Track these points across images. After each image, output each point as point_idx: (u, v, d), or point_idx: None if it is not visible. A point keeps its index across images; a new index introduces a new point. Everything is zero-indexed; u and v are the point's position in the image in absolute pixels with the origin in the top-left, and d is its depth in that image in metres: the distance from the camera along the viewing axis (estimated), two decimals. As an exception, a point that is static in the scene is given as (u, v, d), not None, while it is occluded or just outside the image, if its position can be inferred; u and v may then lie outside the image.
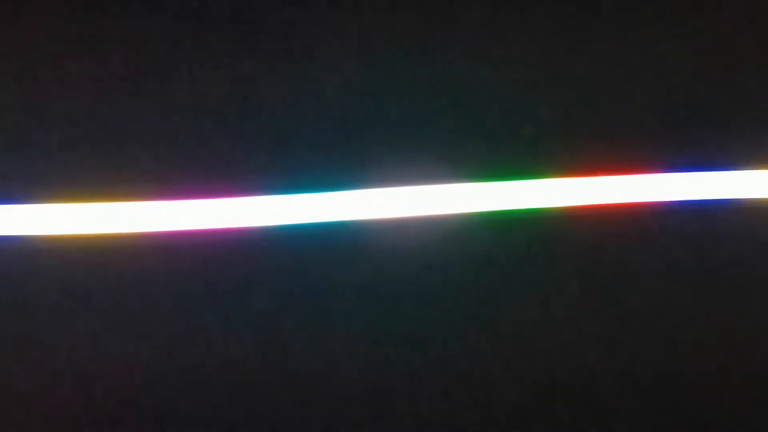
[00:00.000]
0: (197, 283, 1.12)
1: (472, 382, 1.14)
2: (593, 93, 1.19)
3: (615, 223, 1.17)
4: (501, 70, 1.19)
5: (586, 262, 1.17)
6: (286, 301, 1.13)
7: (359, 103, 1.17)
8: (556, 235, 1.16)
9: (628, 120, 1.19)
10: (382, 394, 1.13)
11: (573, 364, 1.15)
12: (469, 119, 1.18)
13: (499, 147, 1.18)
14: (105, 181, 1.12)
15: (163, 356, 1.11)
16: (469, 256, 1.16)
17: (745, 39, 1.22)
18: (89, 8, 1.14)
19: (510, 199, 1.14)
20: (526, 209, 1.15)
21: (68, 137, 1.13)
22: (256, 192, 1.12)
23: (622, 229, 1.17)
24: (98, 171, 1.13)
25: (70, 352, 1.10)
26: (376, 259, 1.14)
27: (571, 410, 1.14)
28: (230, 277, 1.12)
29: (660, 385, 1.16)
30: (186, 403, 1.10)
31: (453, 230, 1.14)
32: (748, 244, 1.19)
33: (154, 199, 1.10)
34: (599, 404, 1.15)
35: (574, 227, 1.16)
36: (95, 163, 1.13)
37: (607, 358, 1.16)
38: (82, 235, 1.09)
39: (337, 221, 1.13)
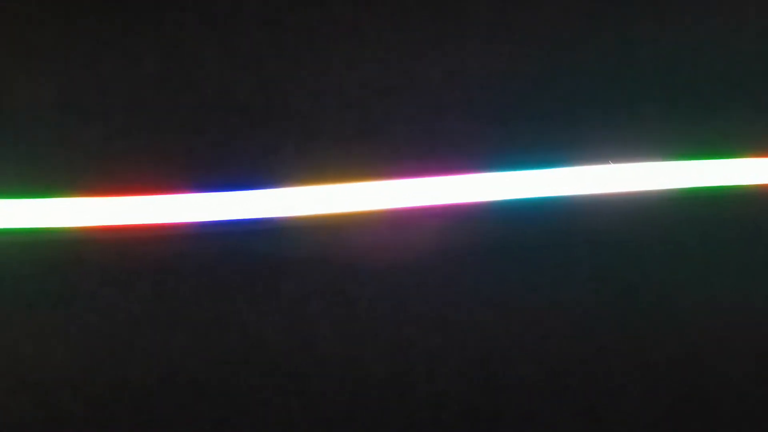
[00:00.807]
0: (230, 270, 1.17)
1: (488, 363, 1.18)
2: (599, 84, 1.24)
3: (623, 211, 1.21)
4: (510, 64, 1.23)
5: (596, 248, 1.21)
6: (314, 286, 1.18)
7: (378, 99, 1.22)
8: (567, 222, 1.21)
9: (634, 110, 1.24)
10: (403, 374, 1.17)
11: (585, 345, 1.20)
12: (482, 112, 1.22)
13: (512, 138, 1.22)
14: (140, 175, 1.17)
15: (198, 339, 1.15)
16: (484, 242, 1.20)
17: (743, 30, 1.27)
18: (123, 12, 1.19)
19: (523, 188, 1.19)
20: (538, 198, 1.19)
21: (104, 133, 1.17)
22: (281, 184, 1.16)
23: (631, 215, 1.21)
24: (133, 165, 1.17)
25: (110, 338, 1.15)
26: (395, 247, 1.19)
27: (584, 389, 1.19)
28: (261, 264, 1.17)
29: (669, 365, 1.20)
30: (219, 383, 1.15)
31: (469, 218, 1.18)
32: (751, 230, 1.23)
33: (186, 192, 1.15)
34: (611, 384, 1.19)
35: (584, 215, 1.20)
36: (130, 158, 1.17)
37: (617, 339, 1.20)
38: (120, 226, 1.13)
39: (357, 212, 1.17)
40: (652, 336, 1.20)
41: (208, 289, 1.17)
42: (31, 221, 1.12)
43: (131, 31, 1.19)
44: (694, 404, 1.20)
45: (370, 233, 1.18)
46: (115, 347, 1.14)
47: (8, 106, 1.16)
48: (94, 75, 1.18)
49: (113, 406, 1.14)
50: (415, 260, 1.19)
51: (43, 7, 1.18)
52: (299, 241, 1.18)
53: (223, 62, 1.20)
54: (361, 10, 1.22)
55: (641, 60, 1.25)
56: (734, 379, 1.20)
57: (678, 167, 1.21)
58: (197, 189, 1.15)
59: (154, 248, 1.15)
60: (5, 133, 1.16)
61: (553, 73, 1.24)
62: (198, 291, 1.16)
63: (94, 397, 1.14)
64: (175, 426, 1.14)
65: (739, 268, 1.23)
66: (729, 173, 1.21)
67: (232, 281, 1.17)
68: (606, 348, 1.20)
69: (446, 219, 1.18)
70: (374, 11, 1.22)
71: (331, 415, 1.16)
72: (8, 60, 1.17)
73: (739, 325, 1.22)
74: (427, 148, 1.21)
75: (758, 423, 1.20)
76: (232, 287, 1.17)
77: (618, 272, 1.21)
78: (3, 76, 1.17)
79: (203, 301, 1.16)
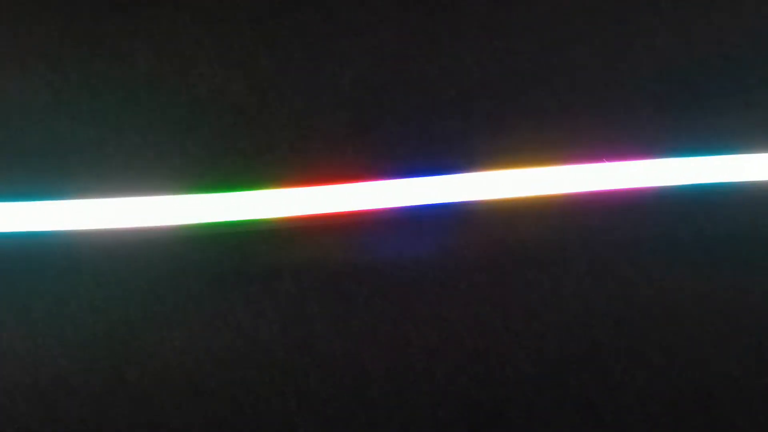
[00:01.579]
0: (225, 270, 1.16)
1: (486, 360, 1.18)
2: (594, 82, 1.24)
3: (619, 207, 1.21)
4: (505, 62, 1.24)
5: (593, 245, 1.21)
6: (310, 286, 1.17)
7: (372, 97, 1.22)
8: (564, 219, 1.21)
9: (628, 108, 1.24)
10: (401, 373, 1.17)
11: (582, 340, 1.20)
12: (477, 110, 1.23)
13: (505, 136, 1.22)
14: (134, 176, 1.17)
15: (194, 339, 1.15)
16: (481, 240, 1.20)
17: (738, 27, 1.27)
18: (116, 12, 1.19)
19: (518, 186, 1.19)
20: (535, 195, 1.19)
21: (97, 134, 1.17)
22: (276, 184, 1.16)
23: (626, 212, 1.22)
24: (126, 166, 1.17)
25: (106, 338, 1.14)
26: (391, 246, 1.19)
27: (581, 384, 1.19)
28: (256, 264, 1.17)
29: (664, 359, 1.20)
30: (216, 383, 1.15)
31: (465, 216, 1.19)
32: (745, 225, 1.24)
33: (180, 193, 1.14)
34: (608, 378, 1.19)
35: (580, 212, 1.21)
36: (123, 159, 1.17)
37: (613, 334, 1.20)
38: (113, 228, 1.12)
39: (352, 211, 1.17)
40: (649, 332, 1.21)
41: (203, 289, 1.16)
42: (25, 223, 1.11)
43: (124, 30, 1.19)
44: (691, 400, 1.20)
45: (366, 232, 1.18)
46: (111, 348, 1.14)
47: (0, 106, 1.16)
48: (86, 75, 1.18)
49: (110, 407, 1.13)
50: (411, 258, 1.19)
51: (35, 7, 1.17)
52: (295, 240, 1.17)
53: (216, 62, 1.20)
54: (354, 8, 1.22)
55: (636, 58, 1.26)
56: (732, 375, 1.21)
57: (673, 164, 1.21)
58: (191, 190, 1.14)
59: (149, 249, 1.15)
60: (-2, 134, 1.16)
61: (547, 71, 1.24)
62: (194, 291, 1.16)
63: (90, 397, 1.13)
64: (172, 426, 1.13)
65: (734, 264, 1.23)
66: (724, 170, 1.22)
67: (227, 281, 1.17)
68: (603, 344, 1.20)
69: (442, 217, 1.18)
70: (368, 10, 1.23)
71: (329, 414, 1.16)
72: (0, 60, 1.17)
73: (735, 321, 1.22)
74: (422, 146, 1.21)
75: (756, 419, 1.20)
76: (228, 287, 1.16)
77: (614, 269, 1.22)
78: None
79: (199, 301, 1.16)
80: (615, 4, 1.26)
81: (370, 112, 1.21)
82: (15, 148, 1.16)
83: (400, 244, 1.19)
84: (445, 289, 1.19)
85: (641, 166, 1.21)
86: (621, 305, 1.21)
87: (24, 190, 1.12)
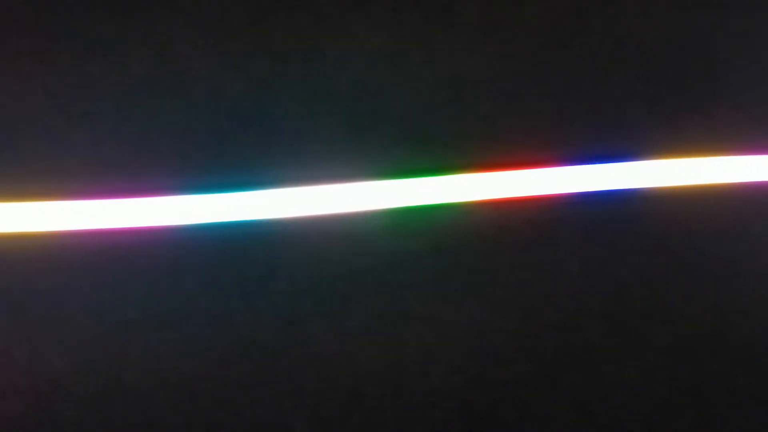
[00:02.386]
0: (221, 270, 1.17)
1: (481, 360, 1.19)
2: (587, 83, 1.25)
3: (610, 208, 1.22)
4: (499, 63, 1.24)
5: (586, 244, 1.22)
6: (305, 286, 1.18)
7: (368, 99, 1.22)
8: (556, 220, 1.22)
9: (617, 110, 1.25)
10: (396, 372, 1.18)
11: (575, 339, 1.20)
12: (472, 111, 1.23)
13: (499, 137, 1.23)
14: (130, 177, 1.17)
15: (191, 340, 1.15)
16: (476, 240, 1.21)
17: (730, 29, 1.28)
18: (109, 12, 1.19)
19: (512, 187, 1.20)
20: (528, 196, 1.20)
21: (91, 136, 1.17)
22: (271, 185, 1.16)
23: (617, 213, 1.22)
24: (121, 167, 1.17)
25: (102, 339, 1.14)
26: (389, 245, 1.19)
27: (575, 384, 1.19)
28: (252, 265, 1.17)
29: (657, 359, 1.21)
30: (212, 384, 1.15)
31: (459, 217, 1.19)
32: (736, 225, 1.25)
33: (176, 194, 1.15)
34: (601, 378, 1.20)
35: (572, 212, 1.22)
36: (118, 161, 1.17)
37: (606, 333, 1.21)
38: (109, 229, 1.13)
39: (350, 212, 1.17)
40: (642, 332, 1.21)
41: (199, 291, 1.16)
42: (21, 224, 1.11)
43: (120, 32, 1.19)
44: (684, 399, 1.21)
45: (362, 233, 1.19)
46: (108, 349, 1.14)
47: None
48: (82, 77, 1.18)
49: (106, 408, 1.13)
50: (406, 258, 1.20)
51: (31, 9, 1.17)
52: (291, 241, 1.18)
53: (212, 63, 1.20)
54: (350, 10, 1.23)
55: (629, 58, 1.26)
56: (725, 375, 1.21)
57: (665, 165, 1.22)
58: (188, 191, 1.15)
59: (145, 250, 1.15)
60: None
61: (541, 72, 1.25)
62: (190, 292, 1.16)
63: (86, 398, 1.13)
64: (168, 427, 1.14)
65: (727, 263, 1.24)
66: (716, 171, 1.23)
67: (223, 282, 1.17)
68: (597, 344, 1.21)
69: (437, 217, 1.19)
70: (364, 11, 1.23)
71: (324, 414, 1.16)
72: (-4, 62, 1.17)
73: (728, 321, 1.23)
74: (418, 148, 1.22)
75: (750, 417, 1.21)
76: (224, 287, 1.17)
77: (608, 269, 1.22)
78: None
79: (195, 303, 1.16)
80: (607, 5, 1.26)
81: (366, 114, 1.22)
82: (10, 149, 1.16)
83: (395, 244, 1.20)
84: (439, 289, 1.19)
85: (634, 167, 1.22)
86: (614, 305, 1.21)
87: (19, 191, 1.12)
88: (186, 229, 1.14)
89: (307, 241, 1.18)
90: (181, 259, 1.16)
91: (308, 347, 1.17)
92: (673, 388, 1.21)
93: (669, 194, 1.21)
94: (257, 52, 1.21)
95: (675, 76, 1.26)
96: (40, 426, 1.12)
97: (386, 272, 1.19)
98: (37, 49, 1.17)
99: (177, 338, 1.15)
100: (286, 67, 1.21)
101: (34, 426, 1.12)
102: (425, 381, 1.18)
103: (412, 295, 1.19)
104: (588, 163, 1.21)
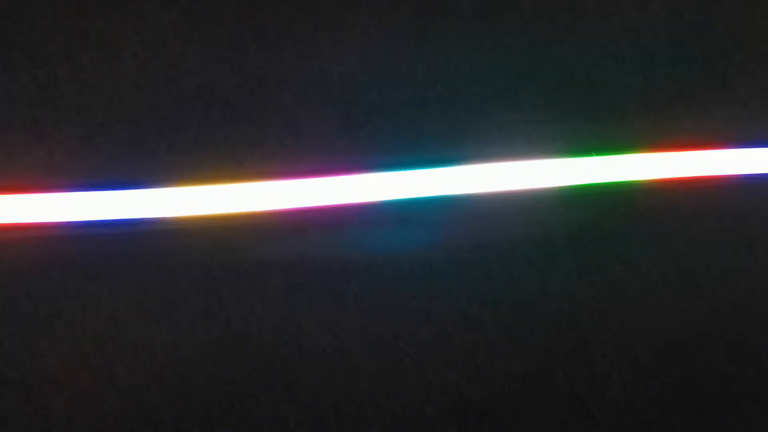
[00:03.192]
0: (214, 265, 1.16)
1: (475, 354, 1.19)
2: (580, 78, 1.25)
3: (605, 202, 1.22)
4: (492, 58, 1.24)
5: (580, 239, 1.22)
6: (299, 280, 1.17)
7: (361, 93, 1.22)
8: (551, 214, 1.22)
9: (615, 103, 1.25)
10: (391, 367, 1.17)
11: (569, 334, 1.20)
12: (465, 106, 1.23)
13: (492, 131, 1.23)
14: (120, 170, 1.16)
15: (183, 334, 1.15)
16: (470, 235, 1.21)
17: (721, 25, 1.29)
18: (101, 5, 1.18)
19: (506, 181, 1.19)
20: (522, 190, 1.20)
21: (83, 128, 1.17)
22: (264, 177, 1.16)
23: (613, 206, 1.23)
24: (113, 160, 1.17)
25: (95, 333, 1.13)
26: (383, 239, 1.19)
27: (569, 378, 1.19)
28: (245, 259, 1.17)
29: (651, 354, 1.21)
30: (205, 378, 1.14)
31: (454, 211, 1.19)
32: (731, 220, 1.25)
33: (168, 186, 1.14)
34: (595, 372, 1.20)
35: (567, 206, 1.22)
36: (110, 153, 1.17)
37: (600, 329, 1.21)
38: (101, 221, 1.12)
39: (340, 205, 1.17)
40: (635, 327, 1.22)
41: (192, 285, 1.16)
42: (11, 217, 1.11)
43: (111, 25, 1.18)
44: (678, 394, 1.21)
45: (354, 226, 1.18)
46: (100, 343, 1.13)
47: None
48: (73, 70, 1.17)
49: (98, 402, 1.12)
50: (401, 254, 1.20)
51: (23, 2, 1.17)
52: (284, 235, 1.17)
53: (204, 57, 1.20)
54: (342, 4, 1.23)
55: (622, 53, 1.26)
56: (718, 370, 1.22)
57: (659, 159, 1.22)
58: (179, 184, 1.14)
59: (137, 244, 1.14)
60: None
61: (534, 67, 1.25)
62: (182, 286, 1.16)
63: (79, 393, 1.12)
64: (161, 421, 1.13)
65: (721, 258, 1.24)
66: (710, 165, 1.23)
67: (216, 276, 1.16)
68: (590, 339, 1.21)
69: (430, 212, 1.19)
70: (356, 6, 1.23)
71: (318, 409, 1.16)
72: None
73: (722, 316, 1.23)
74: (410, 141, 1.22)
75: (742, 412, 1.21)
76: (217, 282, 1.16)
77: (602, 264, 1.22)
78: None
79: (188, 297, 1.16)
80: (601, 1, 1.27)
81: (359, 108, 1.21)
82: (1, 142, 1.15)
83: (388, 239, 1.20)
84: (433, 284, 1.19)
85: (627, 161, 1.22)
86: (608, 300, 1.22)
87: (10, 183, 1.11)
88: (177, 222, 1.13)
89: (298, 235, 1.18)
90: (174, 251, 1.15)
91: (302, 342, 1.16)
92: (667, 383, 1.21)
93: (663, 187, 1.21)
94: (249, 45, 1.21)
95: (669, 70, 1.27)
96: (32, 420, 1.11)
97: (379, 267, 1.19)
98: (29, 42, 1.17)
99: (167, 333, 1.15)
100: (278, 60, 1.21)
101: (25, 420, 1.11)
102: (419, 376, 1.17)
103: (406, 289, 1.19)
104: (582, 157, 1.21)
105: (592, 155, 1.21)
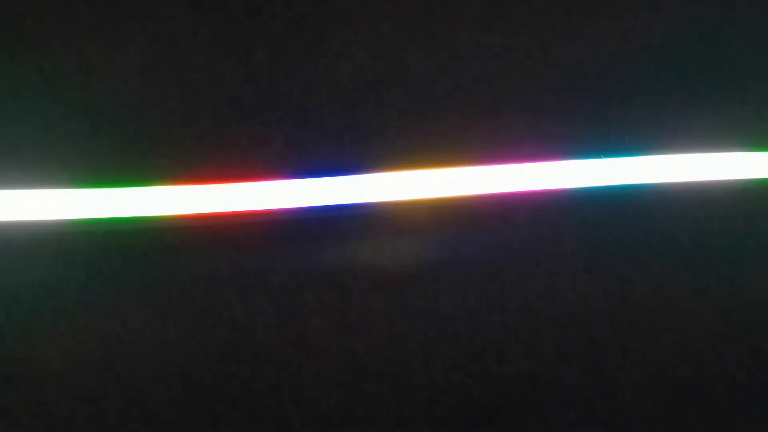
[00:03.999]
0: (219, 262, 1.15)
1: (482, 354, 1.18)
2: (592, 77, 1.24)
3: (615, 204, 1.21)
4: (503, 57, 1.24)
5: (589, 240, 1.22)
6: (305, 279, 1.16)
7: (370, 90, 1.21)
8: (560, 215, 1.21)
9: (626, 103, 1.24)
10: (397, 367, 1.17)
11: (578, 336, 1.20)
12: (475, 104, 1.23)
13: (502, 131, 1.22)
14: (125, 167, 1.15)
15: (188, 332, 1.14)
16: (477, 235, 1.20)
17: (734, 25, 1.28)
18: (110, 0, 1.17)
19: (516, 181, 1.19)
20: (531, 191, 1.19)
21: (88, 124, 1.16)
22: (272, 176, 1.15)
23: (623, 208, 1.22)
24: (118, 157, 1.16)
25: (98, 330, 1.13)
26: (390, 239, 1.18)
27: (577, 380, 1.19)
28: (251, 256, 1.16)
29: (660, 356, 1.20)
30: (210, 376, 1.14)
31: (463, 211, 1.18)
32: (741, 223, 1.24)
33: (174, 184, 1.13)
34: (604, 375, 1.19)
35: (577, 207, 1.21)
36: (115, 149, 1.16)
37: (610, 331, 1.20)
38: (106, 218, 1.11)
39: (351, 204, 1.16)
40: (645, 329, 1.21)
41: (197, 282, 1.15)
42: (16, 214, 1.10)
43: (118, 19, 1.18)
44: (687, 397, 1.20)
45: (362, 226, 1.18)
46: (104, 341, 1.12)
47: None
48: (79, 63, 1.16)
49: (101, 401, 1.12)
50: (407, 253, 1.19)
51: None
52: (290, 233, 1.16)
53: (212, 52, 1.19)
54: (352, 0, 1.22)
55: (634, 53, 1.26)
56: (728, 373, 1.21)
57: (669, 161, 1.21)
58: (186, 181, 1.13)
59: (142, 241, 1.14)
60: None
61: (545, 66, 1.24)
62: (187, 284, 1.15)
63: (81, 391, 1.11)
64: (165, 420, 1.12)
65: (731, 261, 1.24)
66: (720, 167, 1.22)
67: (221, 273, 1.15)
68: (599, 341, 1.20)
69: (438, 212, 1.18)
70: (365, 2, 1.22)
71: (323, 409, 1.15)
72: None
73: (732, 318, 1.22)
74: (420, 140, 1.21)
75: (753, 415, 1.20)
76: (222, 279, 1.15)
77: (611, 265, 1.22)
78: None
79: (193, 295, 1.15)
80: (612, 0, 1.26)
81: (367, 106, 1.21)
82: (6, 136, 1.14)
83: (396, 238, 1.19)
84: (441, 283, 1.19)
85: (638, 163, 1.21)
86: (617, 302, 1.21)
87: (14, 179, 1.10)
88: (182, 219, 1.12)
89: (304, 233, 1.17)
90: (180, 249, 1.15)
91: (308, 341, 1.15)
92: (677, 386, 1.20)
93: (674, 190, 1.21)
94: (257, 41, 1.20)
95: (681, 70, 1.26)
96: (34, 417, 1.10)
97: (386, 266, 1.18)
98: (35, 34, 1.16)
99: (171, 331, 1.14)
100: (286, 55, 1.20)
101: (28, 417, 1.10)
102: (426, 376, 1.17)
103: (414, 289, 1.18)
104: (592, 158, 1.20)
105: (602, 157, 1.20)
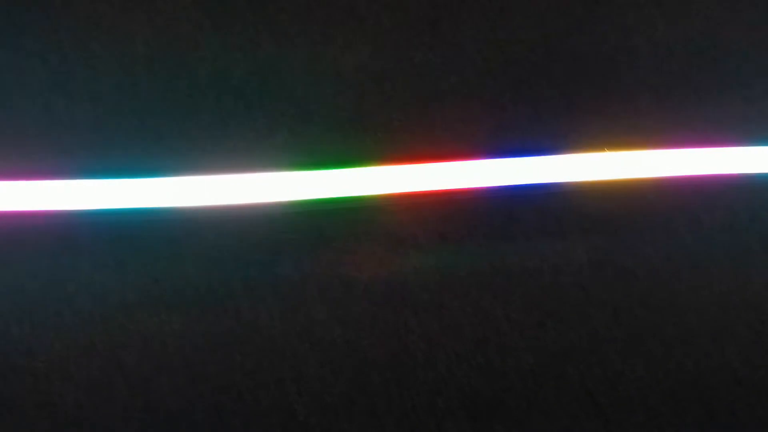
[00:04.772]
0: (224, 254, 1.16)
1: (486, 347, 1.18)
2: (595, 71, 1.25)
3: (618, 197, 1.21)
4: (507, 50, 1.24)
5: (592, 234, 1.22)
6: (310, 270, 1.17)
7: (374, 83, 1.21)
8: (563, 209, 1.21)
9: (629, 98, 1.25)
10: (401, 359, 1.17)
11: (581, 329, 1.20)
12: (479, 98, 1.23)
13: (505, 124, 1.23)
14: (131, 158, 1.16)
15: (193, 323, 1.14)
16: (481, 228, 1.20)
17: (737, 21, 1.28)
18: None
19: (519, 175, 1.19)
20: (535, 184, 1.19)
21: (94, 115, 1.16)
22: (276, 168, 1.15)
23: (625, 202, 1.22)
24: (124, 148, 1.16)
25: (104, 322, 1.13)
26: (392, 231, 1.19)
27: (580, 373, 1.19)
28: (256, 248, 1.16)
29: (663, 349, 1.21)
30: (215, 368, 1.14)
31: (466, 203, 1.19)
32: (742, 216, 1.25)
33: (179, 175, 1.13)
34: (606, 367, 1.19)
35: (580, 201, 1.21)
36: (120, 140, 1.16)
37: (612, 324, 1.20)
38: (111, 209, 1.11)
39: (352, 196, 1.16)
40: (647, 322, 1.21)
41: (202, 274, 1.15)
42: (21, 204, 1.10)
43: (123, 11, 1.18)
44: (689, 390, 1.20)
45: (366, 218, 1.18)
46: (109, 332, 1.12)
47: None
48: (85, 56, 1.16)
49: (106, 391, 1.12)
50: (411, 244, 1.19)
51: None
52: (294, 225, 1.17)
53: (216, 44, 1.19)
54: (357, -7, 1.22)
55: (637, 48, 1.26)
56: (730, 365, 1.21)
57: (672, 155, 1.21)
58: (190, 172, 1.13)
59: (147, 232, 1.14)
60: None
61: (549, 60, 1.24)
62: (192, 276, 1.15)
63: (87, 381, 1.11)
64: (169, 411, 1.12)
65: (732, 254, 1.24)
66: (722, 162, 1.22)
67: (226, 266, 1.16)
68: (602, 334, 1.20)
69: (442, 204, 1.18)
70: (370, -5, 1.23)
71: (328, 400, 1.15)
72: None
73: (733, 311, 1.23)
74: (424, 134, 1.21)
75: (753, 408, 1.20)
76: (227, 272, 1.15)
77: (614, 259, 1.22)
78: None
79: (198, 286, 1.15)
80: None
81: (371, 98, 1.21)
82: (12, 127, 1.14)
83: (400, 230, 1.19)
84: (445, 277, 1.19)
85: (641, 157, 1.21)
86: (620, 295, 1.21)
87: (20, 170, 1.10)
88: (188, 211, 1.12)
89: (309, 225, 1.17)
90: (185, 241, 1.15)
91: (312, 333, 1.15)
92: (679, 379, 1.20)
93: (676, 183, 1.21)
94: (262, 34, 1.20)
95: (684, 65, 1.26)
96: (40, 408, 1.10)
97: (390, 258, 1.18)
98: (41, 27, 1.16)
99: (176, 322, 1.14)
100: (291, 49, 1.20)
101: (34, 408, 1.10)
102: (430, 369, 1.17)
103: (418, 282, 1.18)
104: (595, 152, 1.20)
105: (604, 150, 1.20)
